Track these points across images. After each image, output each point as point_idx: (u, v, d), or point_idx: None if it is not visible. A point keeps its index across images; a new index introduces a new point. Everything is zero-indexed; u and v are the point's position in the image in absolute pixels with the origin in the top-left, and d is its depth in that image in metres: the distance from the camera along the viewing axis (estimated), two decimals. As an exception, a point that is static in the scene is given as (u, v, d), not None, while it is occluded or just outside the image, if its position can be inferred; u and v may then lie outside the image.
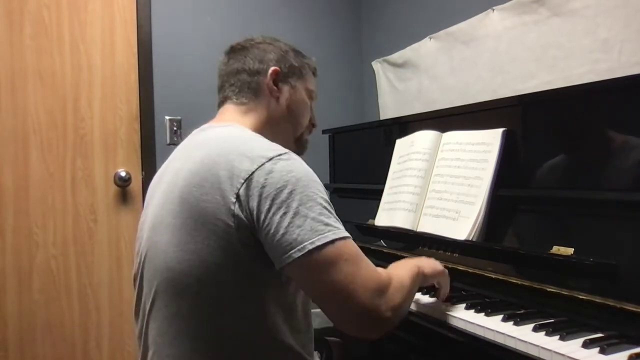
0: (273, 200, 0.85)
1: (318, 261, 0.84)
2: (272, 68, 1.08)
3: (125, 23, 2.25)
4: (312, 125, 1.19)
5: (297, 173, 0.87)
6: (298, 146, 1.16)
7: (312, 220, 0.84)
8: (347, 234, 0.88)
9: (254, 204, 0.85)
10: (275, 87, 1.09)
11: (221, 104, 1.12)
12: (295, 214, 0.84)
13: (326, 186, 2.15)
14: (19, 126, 2.07)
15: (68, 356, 2.14)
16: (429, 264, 1.10)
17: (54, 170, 2.13)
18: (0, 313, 2.03)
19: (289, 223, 0.84)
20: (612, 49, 1.48)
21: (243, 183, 0.86)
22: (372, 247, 1.62)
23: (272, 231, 0.85)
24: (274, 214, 0.84)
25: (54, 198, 2.13)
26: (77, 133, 2.17)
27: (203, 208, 0.88)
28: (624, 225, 1.02)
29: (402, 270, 0.99)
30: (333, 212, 0.90)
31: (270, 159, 0.88)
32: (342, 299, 0.85)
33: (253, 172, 0.86)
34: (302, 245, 0.83)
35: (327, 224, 0.85)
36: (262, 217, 0.85)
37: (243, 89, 1.09)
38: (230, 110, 1.09)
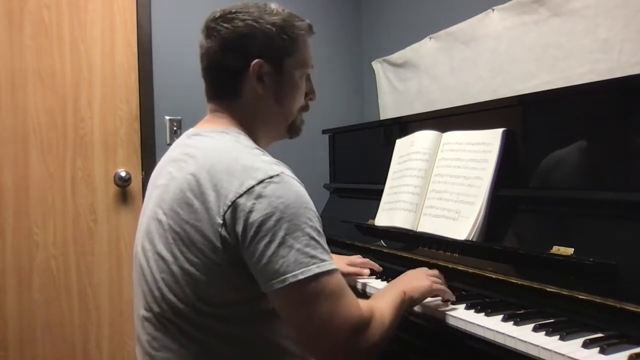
0: (259, 227, 0.82)
1: (299, 295, 0.83)
2: (255, 61, 0.97)
3: (125, 23, 2.25)
4: (309, 99, 1.10)
5: (287, 199, 0.84)
6: (291, 132, 1.10)
7: (297, 251, 0.82)
8: (332, 267, 0.85)
9: (239, 228, 0.84)
10: (261, 82, 0.99)
11: (208, 98, 1.05)
12: (281, 243, 0.82)
13: (326, 186, 2.15)
14: (19, 126, 2.07)
15: (68, 356, 2.14)
16: (417, 286, 1.08)
17: (54, 170, 2.13)
18: (0, 313, 2.03)
19: (273, 252, 0.82)
20: (612, 49, 1.48)
21: (230, 206, 0.84)
22: (372, 247, 1.62)
23: (255, 258, 0.83)
24: (258, 241, 0.83)
25: (54, 198, 2.12)
26: (77, 133, 2.17)
27: (192, 226, 0.87)
28: (624, 225, 1.02)
29: (386, 302, 0.97)
30: (322, 241, 0.87)
31: (261, 182, 0.84)
32: (320, 336, 0.85)
33: (241, 195, 0.84)
34: (284, 277, 0.82)
35: (312, 256, 0.83)
36: (247, 242, 0.83)
37: (226, 89, 1.01)
38: (217, 111, 1.03)
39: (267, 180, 0.85)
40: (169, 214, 0.91)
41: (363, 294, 1.36)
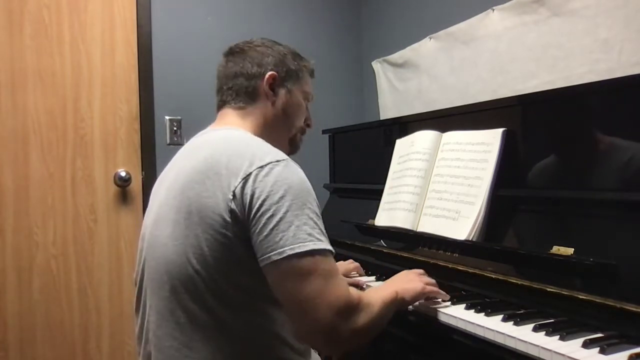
0: (264, 201, 0.88)
1: (293, 268, 0.87)
2: (269, 73, 1.10)
3: (125, 23, 2.25)
4: (307, 125, 1.21)
5: (292, 181, 0.91)
6: (291, 146, 1.19)
7: (296, 227, 0.88)
8: (328, 247, 0.90)
9: (246, 201, 0.89)
10: (271, 92, 1.11)
11: (220, 107, 1.14)
12: (282, 219, 0.87)
13: (326, 186, 2.15)
14: (19, 126, 2.07)
15: (68, 356, 2.14)
16: (410, 288, 1.10)
17: (54, 170, 2.13)
18: (0, 313, 2.03)
19: (274, 226, 0.87)
20: (612, 49, 1.48)
21: (240, 182, 0.90)
22: (372, 247, 1.62)
23: (257, 231, 0.88)
24: (262, 214, 0.88)
25: (54, 198, 2.13)
26: (77, 133, 2.17)
27: (203, 203, 0.91)
28: (624, 225, 1.02)
29: (377, 295, 1.00)
30: (320, 224, 0.92)
31: (269, 163, 0.91)
32: (305, 311, 0.88)
33: (250, 173, 0.90)
34: (282, 249, 0.86)
35: (309, 234, 0.88)
36: (252, 215, 0.89)
37: (240, 93, 1.11)
38: (229, 115, 1.11)
39: (274, 163, 0.92)
40: (179, 197, 0.96)
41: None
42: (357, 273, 1.50)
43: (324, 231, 0.93)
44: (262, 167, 0.91)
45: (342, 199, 2.03)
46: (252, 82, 1.10)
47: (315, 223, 0.91)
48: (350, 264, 1.51)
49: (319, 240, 0.89)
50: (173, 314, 0.94)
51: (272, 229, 0.87)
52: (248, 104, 1.10)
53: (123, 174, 2.23)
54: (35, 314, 2.09)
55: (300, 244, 0.87)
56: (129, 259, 2.25)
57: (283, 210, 0.88)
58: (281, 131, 1.15)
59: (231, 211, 0.89)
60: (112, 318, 2.22)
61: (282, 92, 1.12)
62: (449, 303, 1.15)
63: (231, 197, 0.90)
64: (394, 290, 1.05)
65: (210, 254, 0.90)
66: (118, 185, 2.23)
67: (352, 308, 0.90)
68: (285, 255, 0.86)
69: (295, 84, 1.15)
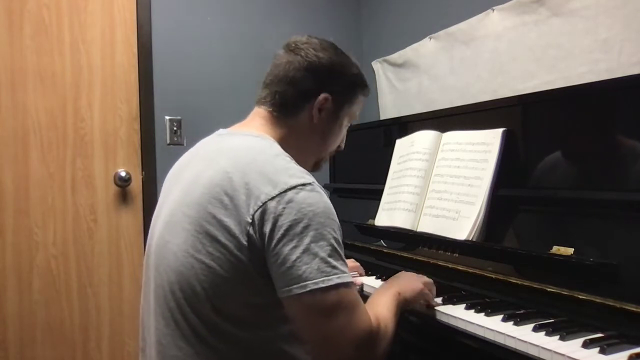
0: (286, 231, 0.85)
1: (317, 303, 0.85)
2: (324, 95, 1.03)
3: (125, 23, 2.25)
4: (338, 147, 1.15)
5: (316, 208, 0.86)
6: (314, 167, 1.13)
7: (320, 260, 0.85)
8: (350, 279, 0.88)
9: (266, 229, 0.85)
10: (318, 114, 1.04)
11: (259, 102, 1.07)
12: (305, 250, 0.84)
13: (326, 186, 2.15)
14: (19, 126, 2.07)
15: (68, 356, 2.14)
16: (410, 287, 1.10)
17: (54, 170, 2.13)
18: (0, 313, 2.04)
19: (297, 258, 0.84)
20: (612, 49, 1.48)
21: (261, 207, 0.86)
22: (372, 247, 1.62)
23: (279, 261, 0.85)
24: (284, 245, 0.85)
25: (54, 198, 2.13)
26: (77, 133, 2.17)
27: (219, 221, 0.88)
28: (624, 225, 1.02)
29: (387, 308, 0.99)
30: (342, 253, 0.89)
31: (293, 188, 0.87)
32: (329, 346, 0.87)
33: (272, 198, 0.86)
34: (305, 283, 0.84)
35: (334, 267, 0.86)
36: (273, 244, 0.85)
37: (285, 104, 1.03)
38: (261, 118, 1.05)
39: (299, 187, 0.87)
40: (195, 208, 0.92)
41: (360, 294, 1.36)
42: (358, 273, 1.49)
43: (345, 259, 0.90)
44: (285, 191, 0.86)
45: (342, 199, 2.03)
46: (301, 99, 1.03)
47: (339, 254, 0.88)
48: (350, 263, 1.50)
49: (343, 272, 0.86)
50: (178, 325, 0.92)
51: (296, 260, 0.84)
52: (288, 118, 1.03)
53: (123, 174, 2.23)
54: (35, 314, 2.09)
55: (325, 279, 0.84)
56: (129, 259, 2.25)
57: (307, 240, 0.84)
58: (311, 152, 1.09)
59: (248, 235, 0.86)
60: (112, 318, 2.22)
61: (329, 116, 1.05)
62: (448, 303, 1.15)
63: (249, 221, 0.86)
64: (396, 291, 1.05)
65: (221, 273, 0.88)
66: (118, 185, 2.23)
67: (374, 337, 0.90)
68: (308, 289, 0.83)
69: (347, 108, 1.08)
